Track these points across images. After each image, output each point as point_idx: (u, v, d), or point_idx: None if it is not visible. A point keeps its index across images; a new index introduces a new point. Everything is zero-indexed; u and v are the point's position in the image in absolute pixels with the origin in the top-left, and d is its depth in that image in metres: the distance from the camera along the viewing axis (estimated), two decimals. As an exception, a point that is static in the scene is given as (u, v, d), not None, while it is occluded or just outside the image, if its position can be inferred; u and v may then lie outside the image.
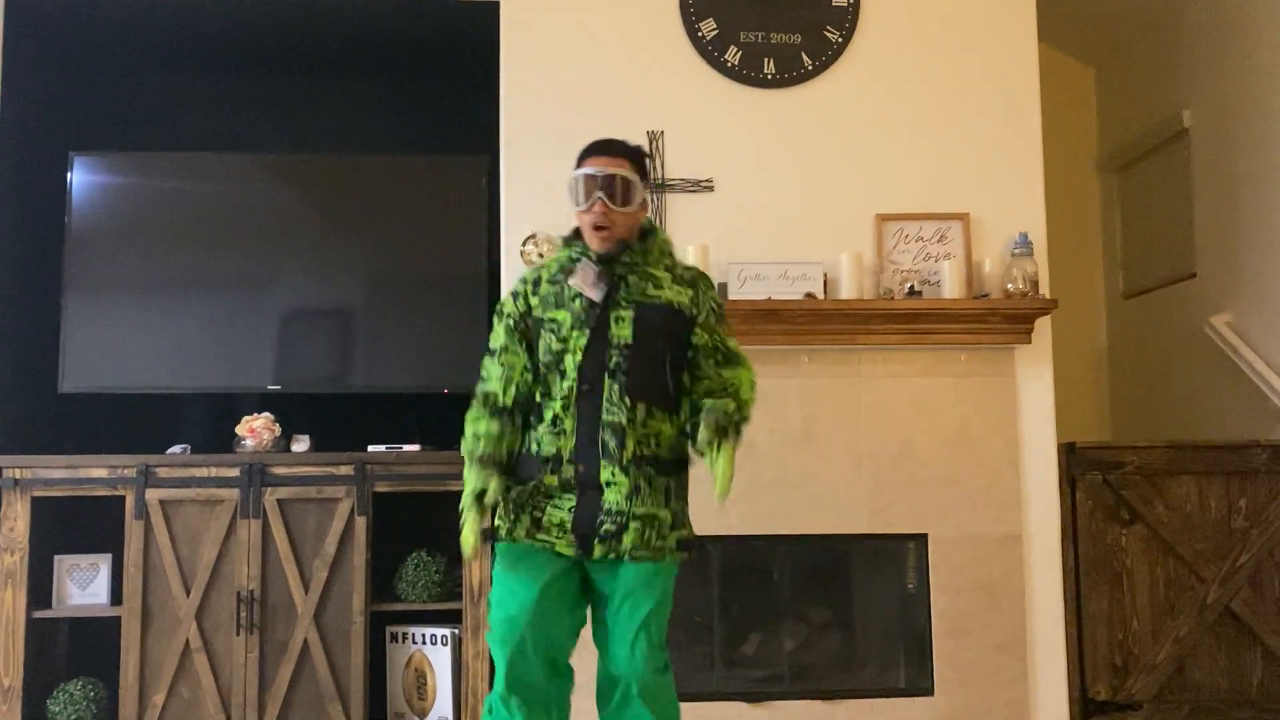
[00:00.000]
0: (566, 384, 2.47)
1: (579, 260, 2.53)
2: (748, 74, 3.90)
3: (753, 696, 3.69)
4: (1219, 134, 4.62)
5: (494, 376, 2.56)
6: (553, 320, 2.51)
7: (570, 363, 2.46)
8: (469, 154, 4.17)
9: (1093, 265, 5.46)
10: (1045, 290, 3.82)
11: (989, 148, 3.91)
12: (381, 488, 3.78)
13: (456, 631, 3.80)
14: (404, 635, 3.91)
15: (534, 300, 2.56)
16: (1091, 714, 3.77)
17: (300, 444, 3.89)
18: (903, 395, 3.80)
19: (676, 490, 2.53)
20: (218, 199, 4.10)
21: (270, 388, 4.04)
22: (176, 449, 3.87)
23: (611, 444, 2.43)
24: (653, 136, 3.85)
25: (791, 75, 3.91)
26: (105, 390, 4.05)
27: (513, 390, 2.53)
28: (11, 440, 4.02)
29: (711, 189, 3.85)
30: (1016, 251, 3.80)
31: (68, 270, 4.04)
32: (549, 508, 2.46)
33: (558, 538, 2.45)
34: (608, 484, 2.43)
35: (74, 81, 4.47)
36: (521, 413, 2.54)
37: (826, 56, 3.91)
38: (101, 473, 3.74)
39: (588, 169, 2.52)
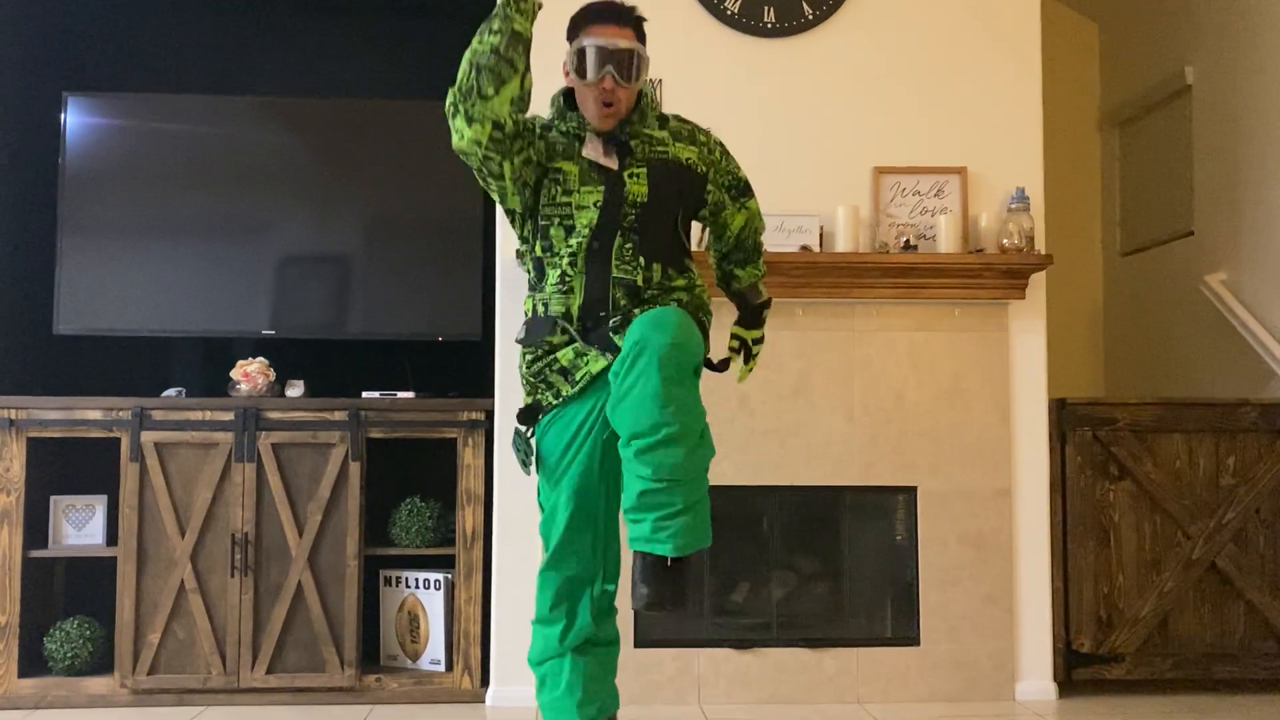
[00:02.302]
0: (575, 240, 2.36)
1: (581, 135, 2.42)
2: (748, 22, 3.86)
3: (741, 644, 3.74)
4: (1221, 92, 4.59)
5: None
6: (559, 170, 2.39)
7: (581, 219, 2.35)
8: (466, 100, 4.13)
9: (1091, 222, 5.45)
10: (1041, 246, 3.82)
11: (989, 102, 3.89)
12: (375, 434, 3.80)
13: (449, 576, 3.84)
14: (397, 579, 3.95)
15: (540, 144, 2.43)
16: (1075, 666, 3.83)
17: (295, 389, 3.90)
18: (897, 349, 3.81)
19: (692, 290, 2.50)
20: (214, 141, 4.08)
21: (265, 332, 4.05)
22: (171, 392, 3.88)
23: (623, 302, 2.34)
24: (651, 84, 3.81)
25: (792, 24, 3.87)
26: (100, 333, 4.05)
27: (530, 84, 2.35)
28: (6, 381, 4.04)
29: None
30: (1013, 206, 3.79)
31: (62, 212, 4.02)
32: (559, 354, 2.38)
33: (586, 364, 2.34)
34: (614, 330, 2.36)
35: (68, 21, 4.42)
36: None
37: (827, 6, 3.87)
38: (96, 414, 3.76)
39: (597, 40, 2.38)
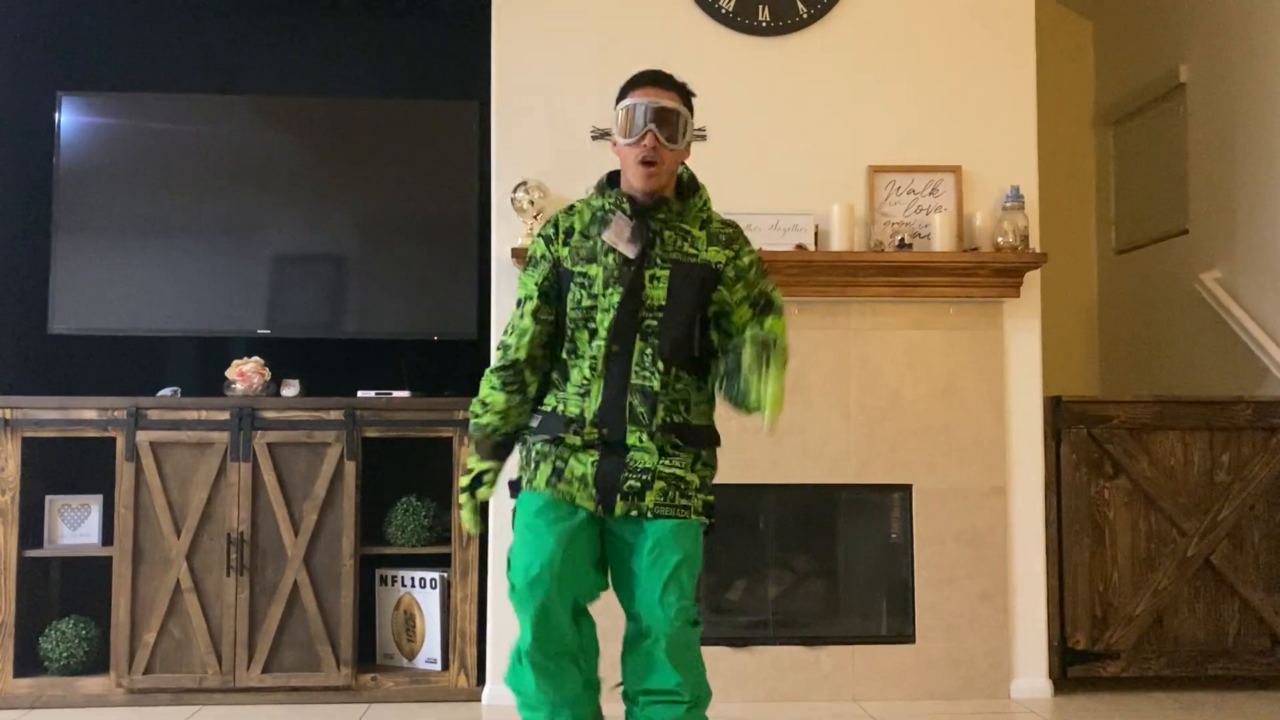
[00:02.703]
0: (597, 344, 2.33)
1: (614, 212, 2.36)
2: (742, 21, 3.86)
3: (737, 642, 3.74)
4: (1215, 90, 4.60)
5: (514, 329, 2.42)
6: (583, 274, 2.35)
7: (601, 321, 2.32)
8: (461, 99, 4.14)
9: (1086, 220, 5.45)
10: (1036, 244, 3.83)
11: (983, 100, 3.89)
12: (371, 433, 3.80)
13: (445, 575, 3.84)
14: (393, 578, 3.95)
15: (564, 251, 2.39)
16: (1071, 663, 3.84)
17: (290, 388, 3.90)
18: (892, 348, 3.82)
19: (705, 458, 2.42)
20: (208, 141, 4.08)
21: (260, 332, 4.04)
22: (167, 391, 3.88)
23: (641, 409, 2.31)
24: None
25: (786, 23, 3.87)
26: (95, 332, 4.05)
27: (527, 342, 2.39)
28: (1, 381, 4.03)
29: (704, 138, 3.83)
30: (1008, 205, 3.79)
31: (57, 211, 4.02)
32: (571, 460, 2.33)
33: (579, 490, 2.32)
34: (633, 448, 2.32)
35: (62, 20, 4.41)
36: (538, 370, 2.41)
37: (821, 5, 3.87)
38: (92, 414, 3.76)
39: (639, 98, 2.33)
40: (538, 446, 2.38)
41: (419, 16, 4.53)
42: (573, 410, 2.34)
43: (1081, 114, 5.47)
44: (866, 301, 3.81)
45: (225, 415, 3.76)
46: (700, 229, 2.39)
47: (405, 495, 3.92)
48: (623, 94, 2.39)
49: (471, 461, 2.44)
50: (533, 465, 2.38)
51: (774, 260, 3.68)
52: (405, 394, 3.87)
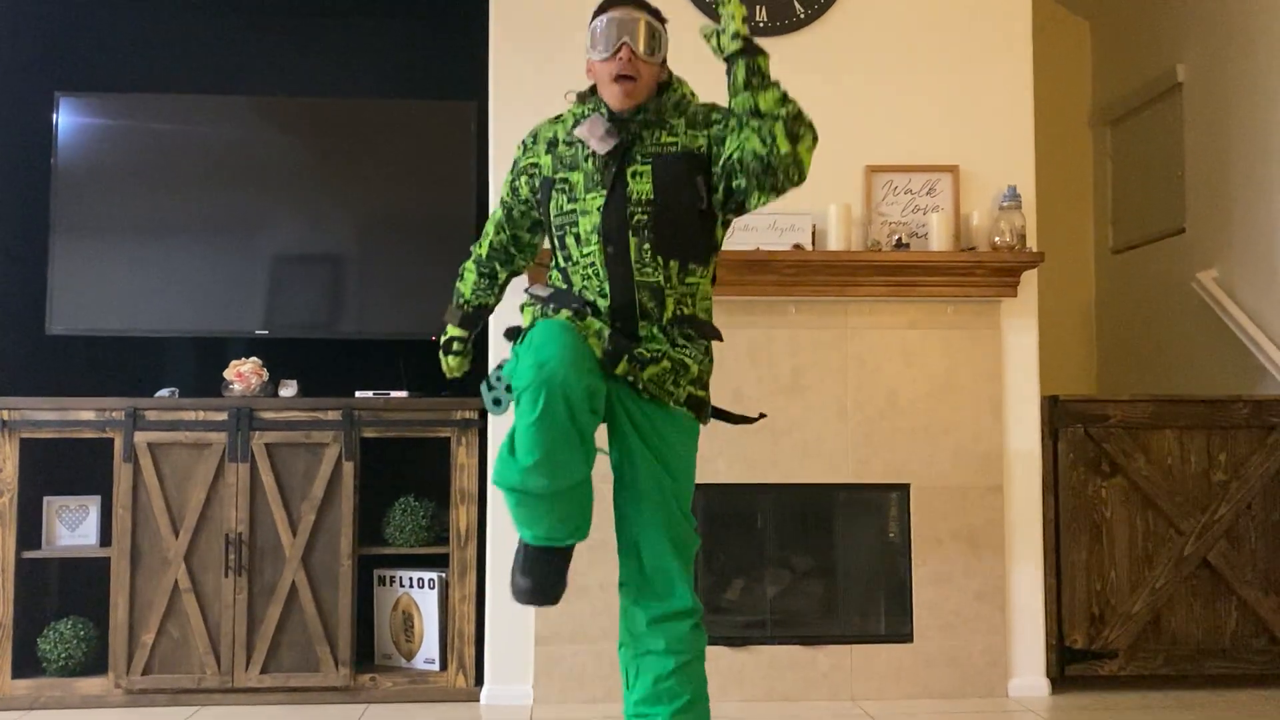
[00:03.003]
0: (584, 249, 2.33)
1: (592, 113, 2.38)
2: (739, 22, 3.86)
3: (735, 641, 3.75)
4: (1212, 89, 4.61)
5: (490, 222, 2.71)
6: (564, 180, 2.38)
7: (586, 224, 2.33)
8: (458, 99, 4.14)
9: (1083, 219, 5.46)
10: (1033, 244, 3.83)
11: (980, 100, 3.90)
12: (369, 433, 3.80)
13: (443, 575, 3.85)
14: (391, 578, 3.95)
15: (545, 159, 2.43)
16: (1068, 662, 3.84)
17: (288, 389, 3.90)
18: (889, 347, 3.82)
19: (709, 349, 2.43)
20: (205, 141, 4.08)
21: (258, 332, 4.04)
22: (164, 392, 3.88)
23: (650, 305, 2.32)
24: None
25: (783, 23, 3.88)
26: (93, 333, 4.05)
27: (487, 244, 2.70)
28: (-1, 382, 4.04)
29: (701, 138, 3.83)
30: (1005, 204, 3.80)
31: (55, 212, 4.02)
32: (589, 317, 2.33)
33: (593, 337, 2.28)
34: (647, 338, 2.34)
35: (60, 21, 4.42)
36: (504, 265, 2.73)
37: (819, 5, 3.88)
38: (90, 415, 3.76)
39: (612, 13, 2.37)
40: (548, 305, 2.39)
41: (416, 17, 4.53)
42: (590, 296, 2.37)
43: (1079, 113, 5.48)
44: (864, 301, 3.81)
45: (223, 416, 3.76)
46: (679, 117, 2.41)
47: (403, 495, 3.92)
48: (593, 16, 2.42)
49: (449, 328, 2.78)
50: (551, 307, 2.37)
51: (771, 259, 3.69)
52: (403, 394, 3.87)
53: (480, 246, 2.73)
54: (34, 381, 4.08)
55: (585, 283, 2.36)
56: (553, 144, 2.44)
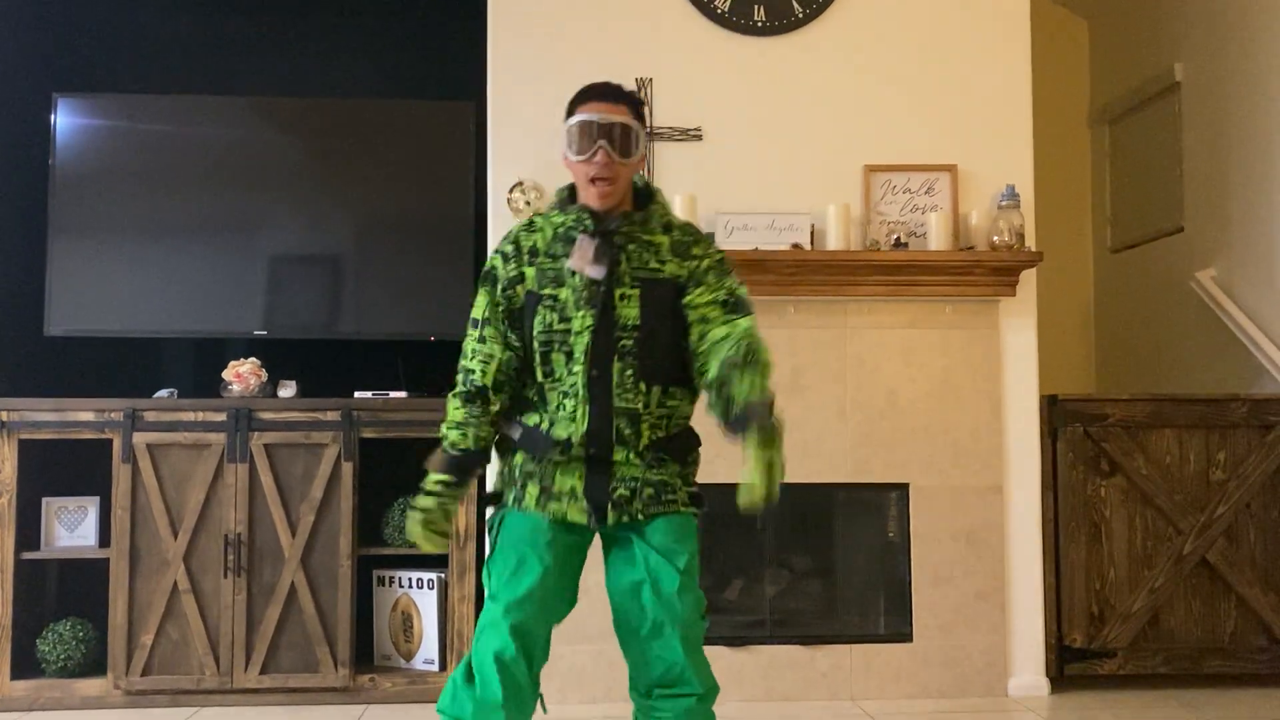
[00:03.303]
0: (575, 367, 2.28)
1: (577, 229, 2.31)
2: (738, 21, 3.87)
3: (735, 641, 3.75)
4: (1210, 89, 4.61)
5: (475, 353, 2.36)
6: (553, 297, 2.30)
7: (576, 344, 2.28)
8: (457, 99, 4.14)
9: (1081, 218, 5.46)
10: (1031, 243, 3.83)
11: (978, 99, 3.90)
12: (368, 434, 3.80)
13: (443, 575, 3.84)
14: (390, 579, 3.95)
15: (529, 271, 2.34)
16: (1068, 661, 3.84)
17: (287, 389, 3.90)
18: (888, 346, 3.82)
19: (690, 459, 2.40)
20: (204, 142, 4.07)
21: (257, 333, 4.04)
22: (163, 393, 3.88)
23: (627, 431, 2.29)
24: (641, 84, 3.82)
25: (782, 23, 3.88)
26: (91, 334, 4.04)
27: (494, 369, 2.33)
28: (-2, 383, 4.03)
29: (700, 138, 3.84)
30: (1003, 204, 3.80)
31: (53, 213, 4.01)
32: (558, 475, 2.31)
33: (569, 504, 2.29)
34: (619, 463, 2.30)
35: (57, 22, 4.41)
36: (502, 394, 2.35)
37: (817, 4, 3.88)
38: (89, 416, 3.75)
39: (588, 115, 2.29)
40: (521, 464, 2.35)
41: (414, 17, 4.53)
42: (560, 434, 2.30)
43: (1077, 113, 5.48)
44: (863, 301, 3.81)
45: (222, 416, 3.76)
46: (663, 234, 2.36)
47: (402, 496, 3.92)
48: (571, 109, 2.35)
49: (433, 481, 2.34)
50: (519, 483, 2.34)
51: (770, 259, 3.69)
52: (402, 395, 3.87)
53: (481, 378, 2.34)
54: (33, 382, 4.08)
55: (562, 402, 2.31)
56: (534, 254, 2.35)
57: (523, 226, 2.40)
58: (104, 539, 3.83)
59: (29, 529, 3.80)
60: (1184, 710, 3.60)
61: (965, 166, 3.87)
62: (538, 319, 2.31)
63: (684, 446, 2.39)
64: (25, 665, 3.75)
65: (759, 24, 3.87)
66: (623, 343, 2.28)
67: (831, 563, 3.93)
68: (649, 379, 2.30)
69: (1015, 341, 3.85)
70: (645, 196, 2.40)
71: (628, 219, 2.32)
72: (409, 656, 3.90)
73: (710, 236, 2.49)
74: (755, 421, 2.19)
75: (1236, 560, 3.86)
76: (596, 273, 2.28)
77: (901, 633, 3.79)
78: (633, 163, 2.32)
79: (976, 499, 3.80)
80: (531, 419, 2.36)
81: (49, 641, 3.74)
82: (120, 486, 3.73)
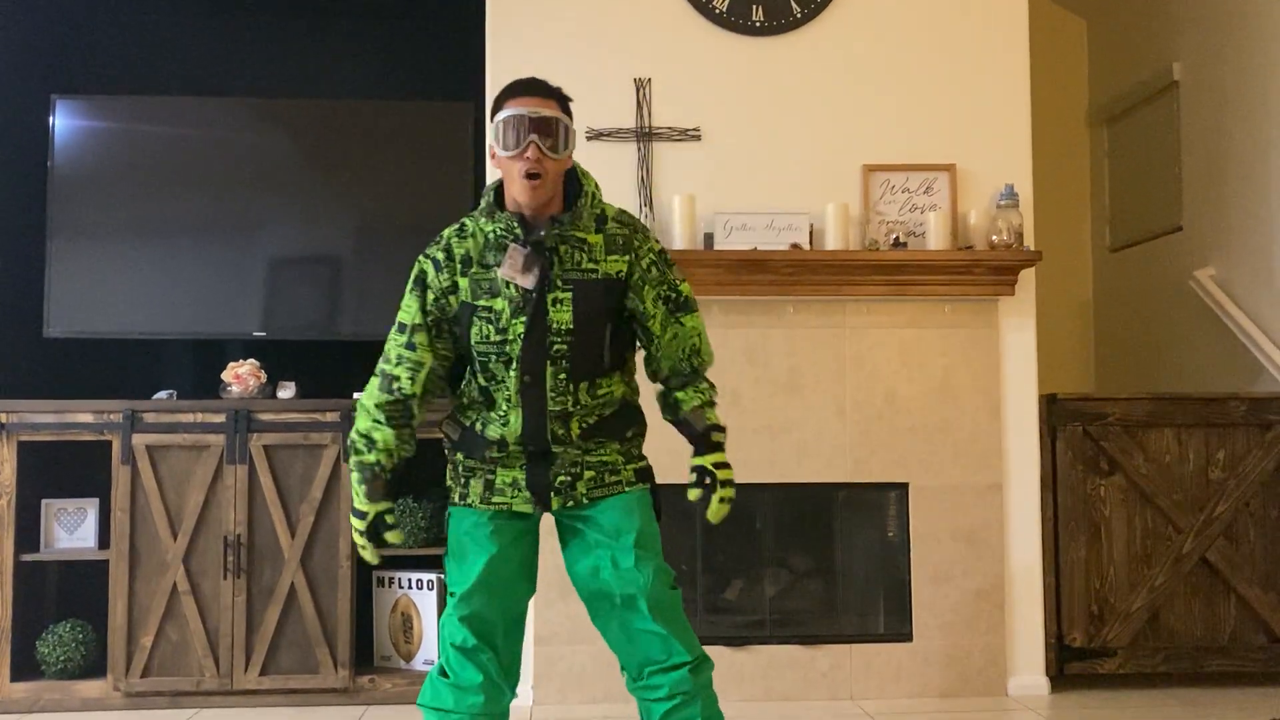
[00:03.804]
0: (514, 373, 2.27)
1: (507, 239, 2.28)
2: (736, 21, 3.87)
3: (735, 641, 3.75)
4: (1208, 87, 4.61)
5: (402, 359, 2.32)
6: (488, 309, 2.28)
7: (513, 350, 2.27)
8: (456, 100, 4.14)
9: (1080, 218, 5.47)
10: (1030, 242, 3.83)
11: (977, 99, 3.90)
12: (367, 434, 3.79)
13: (442, 576, 3.84)
14: (390, 580, 3.95)
15: (463, 282, 2.29)
16: (1067, 660, 3.84)
17: (286, 390, 3.90)
18: (887, 346, 3.82)
19: (630, 435, 2.40)
20: (203, 143, 4.07)
21: (256, 334, 4.04)
22: (162, 394, 3.88)
23: (560, 431, 2.30)
24: (639, 84, 3.83)
25: (780, 23, 3.88)
26: (90, 335, 4.05)
27: (423, 378, 2.32)
28: (-3, 385, 4.03)
29: (698, 138, 3.84)
30: (1002, 203, 3.80)
31: (51, 215, 4.01)
32: (499, 470, 2.34)
33: (513, 496, 2.32)
34: (559, 452, 2.32)
35: (55, 24, 4.41)
36: (426, 401, 2.36)
37: (815, 4, 3.88)
38: (88, 417, 3.75)
39: (518, 109, 2.25)
40: (464, 461, 2.37)
41: (413, 18, 4.53)
42: (493, 434, 2.32)
43: (1075, 112, 5.49)
44: (862, 300, 3.81)
45: (221, 418, 3.76)
46: (596, 232, 2.33)
47: (401, 496, 3.92)
48: (498, 104, 2.32)
49: (361, 502, 2.31)
50: (462, 480, 2.37)
51: (769, 259, 3.69)
52: (401, 395, 3.86)
53: (410, 386, 2.32)
54: (32, 384, 4.07)
55: (494, 404, 2.32)
56: (467, 263, 2.32)
57: (454, 231, 2.36)
58: (103, 540, 3.83)
59: (28, 531, 3.79)
60: (1184, 709, 3.60)
61: (964, 166, 3.87)
62: (474, 330, 2.30)
63: (620, 424, 2.39)
64: (25, 667, 3.75)
65: (757, 24, 3.87)
66: (556, 347, 2.27)
67: (831, 562, 3.93)
68: (579, 378, 2.31)
69: (1014, 341, 3.85)
70: (574, 188, 2.35)
71: (556, 223, 2.28)
72: (409, 657, 3.90)
73: (647, 227, 2.45)
74: (696, 430, 2.38)
75: (1236, 559, 3.86)
76: (528, 282, 2.26)
77: (901, 632, 3.79)
78: (563, 159, 2.29)
79: (976, 498, 3.80)
80: (469, 416, 2.38)
81: (49, 643, 3.74)
82: (119, 488, 3.73)
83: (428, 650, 3.85)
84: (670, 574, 2.35)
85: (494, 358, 2.30)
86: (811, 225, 3.79)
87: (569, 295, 2.28)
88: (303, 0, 4.51)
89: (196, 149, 4.07)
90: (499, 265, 2.28)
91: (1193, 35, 4.71)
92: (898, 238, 3.78)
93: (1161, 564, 3.85)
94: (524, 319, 2.26)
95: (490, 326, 2.28)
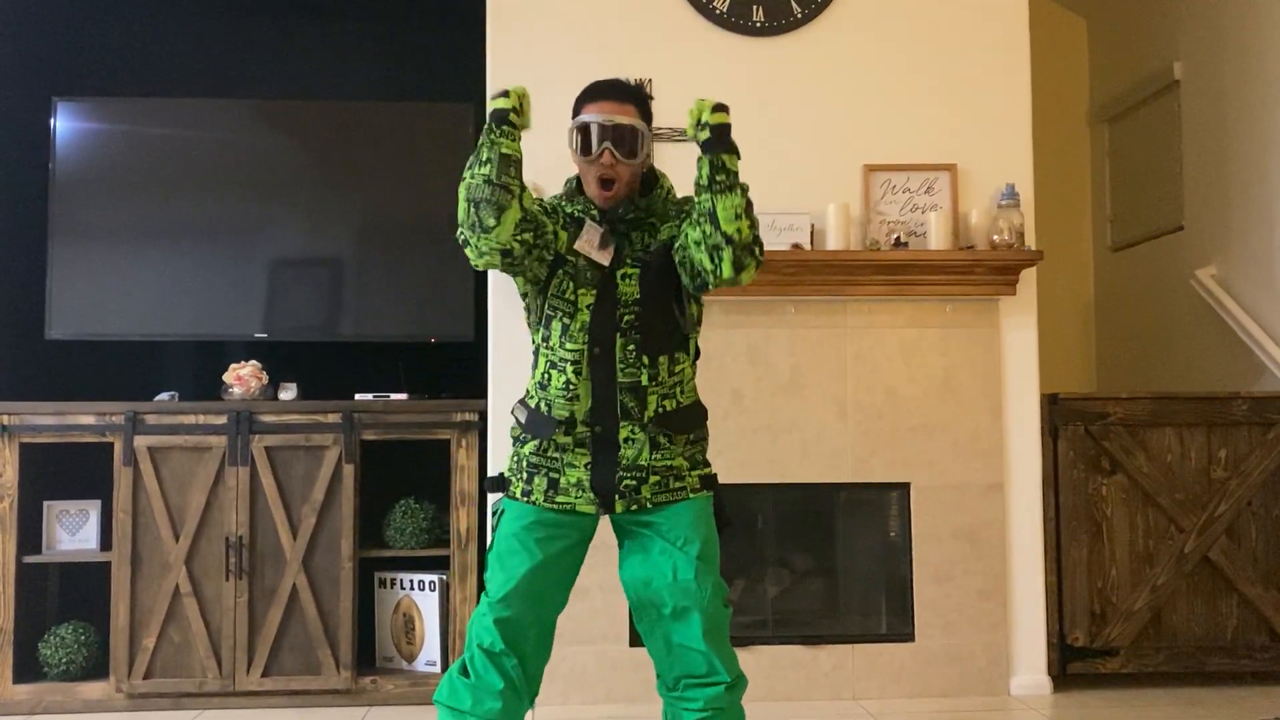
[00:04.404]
0: (574, 346, 2.30)
1: (584, 217, 2.35)
2: (737, 21, 3.87)
3: (736, 641, 3.72)
4: (1209, 87, 4.61)
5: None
6: (573, 265, 2.33)
7: (577, 321, 2.31)
8: (456, 101, 4.14)
9: (1081, 217, 5.46)
10: (1031, 242, 3.83)
11: (978, 98, 3.90)
12: (369, 436, 3.80)
13: (444, 577, 3.84)
14: (392, 581, 3.95)
15: (564, 235, 2.34)
16: (1070, 660, 3.84)
17: (287, 392, 3.90)
18: (888, 346, 3.82)
19: (694, 437, 2.41)
20: (205, 145, 4.08)
21: (257, 336, 4.04)
22: (164, 396, 3.88)
23: (632, 405, 2.30)
24: (640, 85, 3.82)
25: (781, 23, 3.88)
26: (92, 337, 4.05)
27: (531, 201, 2.28)
28: (-1, 387, 4.04)
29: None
30: (1003, 203, 3.80)
31: (53, 217, 4.02)
32: (565, 466, 2.32)
33: (577, 497, 2.32)
34: (626, 441, 2.31)
35: (57, 26, 4.42)
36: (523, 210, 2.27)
37: (816, 4, 3.88)
38: (90, 419, 3.76)
39: (593, 116, 2.29)
40: (529, 455, 2.36)
41: (414, 20, 4.53)
42: (560, 413, 2.32)
43: (1076, 111, 5.48)
44: (863, 300, 3.82)
45: (223, 419, 3.76)
46: (663, 220, 2.39)
47: (404, 498, 3.92)
48: (577, 107, 2.35)
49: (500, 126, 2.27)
50: (526, 474, 2.35)
51: (770, 259, 3.70)
52: (403, 397, 3.87)
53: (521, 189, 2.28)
54: (34, 386, 4.08)
55: (562, 379, 2.32)
56: (569, 221, 2.37)
57: (550, 199, 2.44)
58: (105, 542, 3.83)
59: (31, 532, 3.80)
60: (1186, 708, 3.60)
61: (965, 165, 3.87)
62: (555, 282, 2.34)
63: (689, 421, 2.39)
64: (27, 669, 3.76)
65: (758, 24, 3.87)
66: (626, 319, 2.31)
67: (833, 562, 3.92)
68: (654, 351, 2.33)
69: (1016, 340, 3.85)
70: (650, 181, 2.41)
71: (633, 204, 2.35)
72: (411, 658, 3.90)
73: None
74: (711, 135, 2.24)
75: (1238, 558, 3.86)
76: (603, 258, 2.33)
77: (903, 632, 3.79)
78: (637, 163, 2.33)
79: (978, 498, 3.80)
80: (533, 397, 2.39)
81: (51, 645, 3.74)
82: (121, 490, 3.73)
83: (429, 651, 3.85)
84: (725, 590, 2.35)
85: (559, 315, 2.33)
86: (813, 225, 3.79)
87: (636, 270, 2.33)
88: (303, 2, 4.51)
89: (197, 150, 4.07)
90: (576, 239, 2.34)
91: (1194, 34, 4.71)
92: (899, 238, 3.78)
93: (1163, 563, 3.85)
94: (591, 290, 2.31)
95: (569, 284, 2.33)
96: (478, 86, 3.93)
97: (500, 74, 3.84)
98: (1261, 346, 4.18)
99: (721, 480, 3.71)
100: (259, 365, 3.92)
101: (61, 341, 4.05)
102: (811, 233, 3.79)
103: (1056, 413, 3.87)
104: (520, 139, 2.30)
